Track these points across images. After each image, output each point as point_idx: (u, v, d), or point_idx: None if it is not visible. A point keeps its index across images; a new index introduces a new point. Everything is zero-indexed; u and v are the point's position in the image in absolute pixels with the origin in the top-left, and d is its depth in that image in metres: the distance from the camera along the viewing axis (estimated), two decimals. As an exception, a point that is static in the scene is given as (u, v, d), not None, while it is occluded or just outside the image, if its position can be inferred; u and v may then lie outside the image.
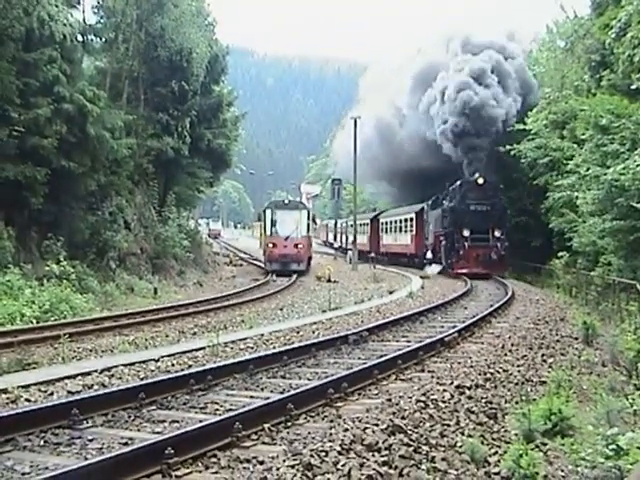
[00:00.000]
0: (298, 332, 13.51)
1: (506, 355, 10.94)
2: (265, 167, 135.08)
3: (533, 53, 42.38)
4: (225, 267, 40.04)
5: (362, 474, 5.24)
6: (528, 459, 5.35)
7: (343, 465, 5.35)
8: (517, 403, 7.76)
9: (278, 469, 5.22)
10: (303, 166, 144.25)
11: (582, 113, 22.40)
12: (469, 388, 8.30)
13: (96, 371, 9.33)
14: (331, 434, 6.15)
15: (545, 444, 6.44)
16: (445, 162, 35.75)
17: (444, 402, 7.57)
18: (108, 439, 6.25)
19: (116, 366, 9.69)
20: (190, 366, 9.87)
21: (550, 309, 18.43)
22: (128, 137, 25.93)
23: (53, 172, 20.26)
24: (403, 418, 6.73)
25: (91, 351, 11.73)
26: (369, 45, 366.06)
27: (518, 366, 10.09)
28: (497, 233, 30.62)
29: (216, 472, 5.48)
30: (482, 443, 6.21)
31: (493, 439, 6.70)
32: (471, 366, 9.71)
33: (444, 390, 8.04)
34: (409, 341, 12.25)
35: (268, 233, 34.28)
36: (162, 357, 10.48)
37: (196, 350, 11.17)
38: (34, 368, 9.94)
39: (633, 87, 20.20)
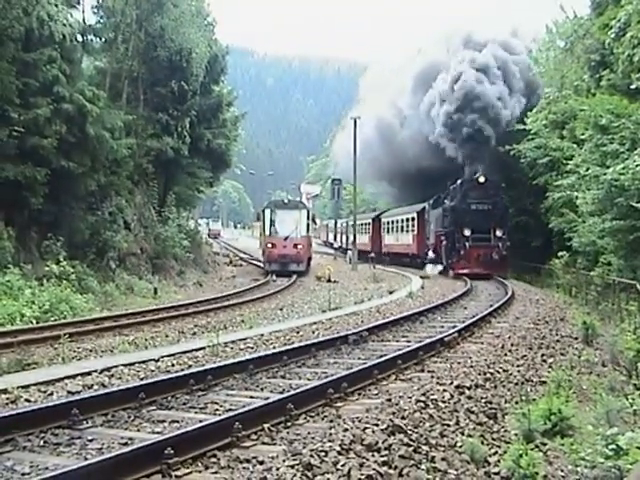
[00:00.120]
0: (298, 332, 13.52)
1: (506, 355, 10.94)
2: (265, 167, 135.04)
3: (533, 53, 42.33)
4: (225, 267, 40.03)
5: (362, 474, 5.24)
6: (528, 459, 5.35)
7: (343, 465, 5.36)
8: (517, 403, 7.77)
9: (278, 469, 5.22)
10: (303, 166, 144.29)
11: (582, 113, 22.39)
12: (469, 388, 8.30)
13: (96, 371, 9.33)
14: (331, 434, 6.16)
15: (545, 444, 6.44)
16: (447, 162, 35.44)
17: (444, 402, 7.57)
18: (108, 439, 6.25)
19: (116, 366, 9.69)
20: (190, 366, 9.87)
21: (550, 309, 18.43)
22: (128, 137, 25.93)
23: (53, 172, 20.26)
24: (403, 418, 6.74)
25: (91, 351, 11.73)
26: (369, 45, 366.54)
27: (518, 366, 10.09)
28: (499, 233, 30.32)
29: (216, 472, 5.48)
30: (482, 443, 6.22)
31: (493, 439, 6.70)
32: (471, 366, 9.71)
33: (444, 390, 8.05)
34: (409, 341, 12.25)
35: (267, 233, 33.98)
36: (162, 357, 10.48)
37: (196, 350, 11.18)
38: (34, 368, 9.94)
39: (633, 87, 20.20)
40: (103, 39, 29.35)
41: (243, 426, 6.18)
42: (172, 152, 30.61)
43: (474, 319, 14.63)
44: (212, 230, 79.97)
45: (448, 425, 6.84)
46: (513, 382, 9.06)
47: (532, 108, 32.05)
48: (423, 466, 5.63)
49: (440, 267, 33.48)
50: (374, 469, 5.35)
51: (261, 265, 37.14)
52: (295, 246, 33.01)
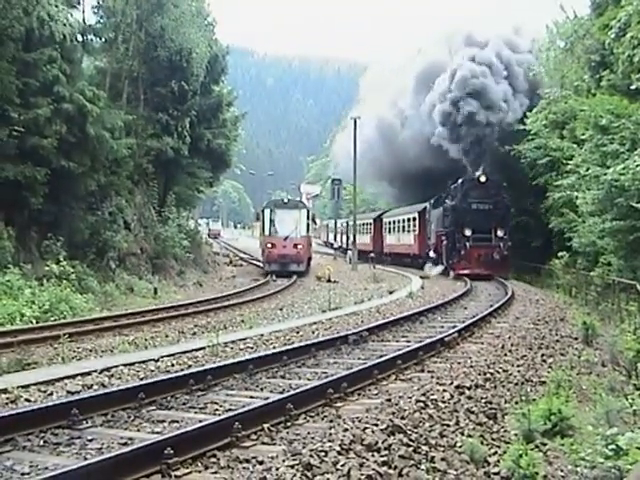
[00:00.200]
0: (298, 332, 13.52)
1: (506, 355, 10.94)
2: (265, 167, 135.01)
3: (534, 52, 42.25)
4: (225, 267, 40.03)
5: (362, 474, 5.24)
6: (528, 459, 5.35)
7: (343, 465, 5.36)
8: (517, 403, 7.77)
9: (277, 469, 5.22)
10: (303, 166, 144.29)
11: (582, 113, 22.38)
12: (469, 388, 8.30)
13: (96, 371, 9.33)
14: (331, 434, 6.16)
15: (545, 444, 6.44)
16: (448, 163, 35.15)
17: (444, 402, 7.57)
18: (108, 439, 6.25)
19: (116, 366, 9.69)
20: (190, 366, 9.87)
21: (550, 309, 18.43)
22: (128, 137, 25.94)
23: (53, 172, 20.26)
24: (403, 418, 6.74)
25: (91, 351, 11.73)
26: (369, 45, 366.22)
27: (518, 366, 10.09)
28: (500, 233, 29.97)
29: (215, 472, 5.48)
30: (482, 443, 6.21)
31: (493, 439, 6.70)
32: (471, 366, 9.71)
33: (444, 390, 8.05)
34: (409, 341, 12.25)
35: (267, 233, 33.66)
36: (162, 357, 10.48)
37: (196, 350, 11.18)
38: (34, 368, 9.94)
39: (633, 87, 20.18)
40: (103, 39, 29.34)
41: (243, 426, 6.18)
42: (172, 152, 30.61)
43: (474, 319, 14.64)
44: (212, 230, 79.99)
45: (448, 425, 6.85)
46: (513, 382, 9.06)
47: (532, 108, 32.03)
48: (423, 466, 5.63)
49: (440, 268, 33.25)
50: (374, 469, 5.35)
51: (261, 265, 37.00)
52: (295, 246, 32.73)
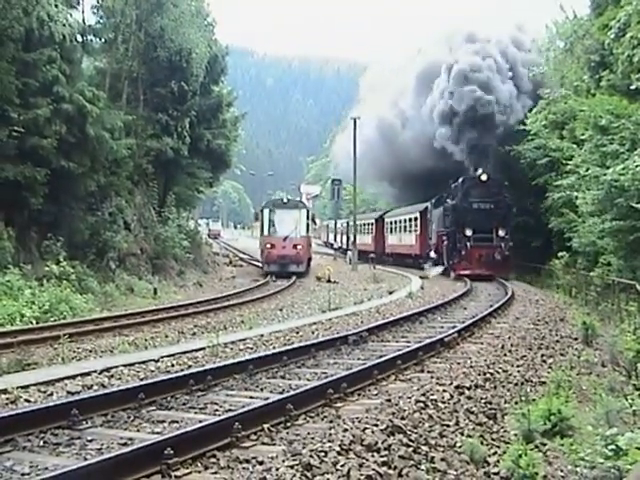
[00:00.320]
0: (298, 332, 13.52)
1: (506, 355, 10.95)
2: (265, 167, 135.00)
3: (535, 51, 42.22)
4: (225, 267, 40.00)
5: (361, 474, 5.24)
6: (527, 459, 5.36)
7: (342, 465, 5.36)
8: (516, 403, 7.77)
9: (277, 469, 5.22)
10: (303, 166, 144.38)
11: (582, 113, 22.38)
12: (469, 388, 8.30)
13: (96, 371, 9.33)
14: (330, 434, 6.16)
15: (544, 444, 6.45)
16: (451, 164, 34.78)
17: (444, 402, 7.58)
18: (108, 439, 6.26)
19: (116, 366, 9.69)
20: (190, 366, 9.88)
21: (550, 309, 18.44)
22: (127, 137, 25.94)
23: (53, 172, 20.27)
24: (402, 418, 6.74)
25: (91, 351, 11.73)
26: (369, 45, 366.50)
27: (518, 366, 10.09)
28: (501, 232, 29.57)
29: (215, 472, 5.48)
30: (481, 443, 6.22)
31: (492, 439, 6.71)
32: (471, 366, 9.71)
33: (444, 390, 8.05)
34: (409, 341, 12.25)
35: (266, 233, 33.29)
36: (162, 357, 10.49)
37: (196, 350, 11.18)
38: (34, 368, 9.94)
39: (632, 87, 20.17)
40: (103, 39, 29.36)
41: (243, 426, 6.18)
42: (172, 152, 30.61)
43: (474, 319, 14.64)
44: (212, 230, 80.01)
45: (448, 425, 6.85)
46: (513, 382, 9.06)
47: (531, 109, 32.00)
48: (423, 466, 5.63)
49: (440, 268, 33.09)
50: (374, 469, 5.35)
51: (261, 266, 36.81)
52: (295, 246, 32.39)
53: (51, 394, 8.15)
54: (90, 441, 6.23)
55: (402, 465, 5.57)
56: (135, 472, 5.17)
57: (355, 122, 39.47)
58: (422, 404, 7.36)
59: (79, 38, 25.32)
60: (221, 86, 39.43)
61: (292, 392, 7.70)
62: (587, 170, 19.94)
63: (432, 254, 34.45)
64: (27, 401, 7.77)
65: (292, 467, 5.24)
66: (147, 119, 30.35)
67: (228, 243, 69.93)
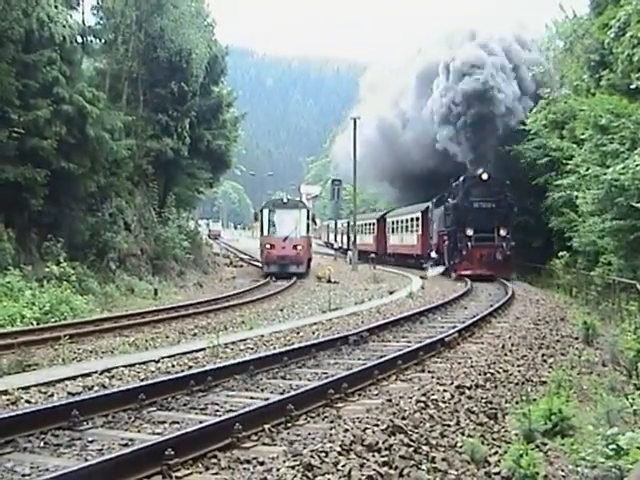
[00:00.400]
0: (298, 333, 13.52)
1: (506, 355, 10.94)
2: (265, 168, 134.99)
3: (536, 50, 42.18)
4: (225, 268, 39.99)
5: (362, 474, 5.24)
6: (528, 459, 5.35)
7: (343, 465, 5.36)
8: (517, 403, 7.76)
9: (278, 470, 5.22)
10: (303, 167, 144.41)
11: (581, 113, 22.38)
12: (469, 388, 8.30)
13: (96, 372, 9.32)
14: (331, 434, 6.15)
15: (545, 444, 6.44)
16: (454, 165, 34.49)
17: (444, 402, 7.57)
18: (108, 440, 6.25)
19: (116, 367, 9.69)
20: (190, 367, 9.88)
21: (550, 309, 18.43)
22: (128, 138, 25.94)
23: (53, 173, 20.27)
24: (403, 418, 6.73)
25: (91, 352, 11.73)
26: (369, 45, 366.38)
27: (518, 366, 10.09)
28: (503, 232, 29.22)
29: (216, 473, 5.48)
30: (482, 443, 6.21)
31: (493, 439, 6.70)
32: (471, 366, 9.71)
33: (444, 390, 8.05)
34: (409, 341, 12.25)
35: (265, 233, 32.97)
36: (162, 358, 10.48)
37: (196, 351, 11.17)
38: (34, 369, 9.94)
39: (632, 87, 20.16)
40: (103, 40, 29.39)
41: (243, 427, 6.18)
42: (172, 153, 30.61)
43: (474, 319, 14.63)
44: (212, 231, 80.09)
45: (448, 425, 6.84)
46: (513, 382, 9.05)
47: (531, 108, 31.97)
48: (423, 466, 5.63)
49: (440, 268, 32.95)
50: (374, 469, 5.35)
51: (261, 266, 36.75)
52: (295, 247, 32.07)
53: (52, 395, 8.14)
54: (91, 442, 6.23)
55: (403, 465, 5.56)
56: (136, 473, 5.17)
57: (355, 122, 39.46)
58: (423, 404, 7.36)
59: (79, 39, 25.34)
60: (221, 86, 39.43)
61: (293, 392, 7.70)
62: (587, 169, 19.93)
63: (433, 254, 34.26)
64: (28, 402, 7.77)
65: (293, 467, 5.23)
66: (147, 120, 30.36)
67: (228, 244, 69.96)
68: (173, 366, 9.99)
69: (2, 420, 6.24)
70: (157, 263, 28.24)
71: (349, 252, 44.17)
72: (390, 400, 7.59)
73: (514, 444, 5.96)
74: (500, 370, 9.61)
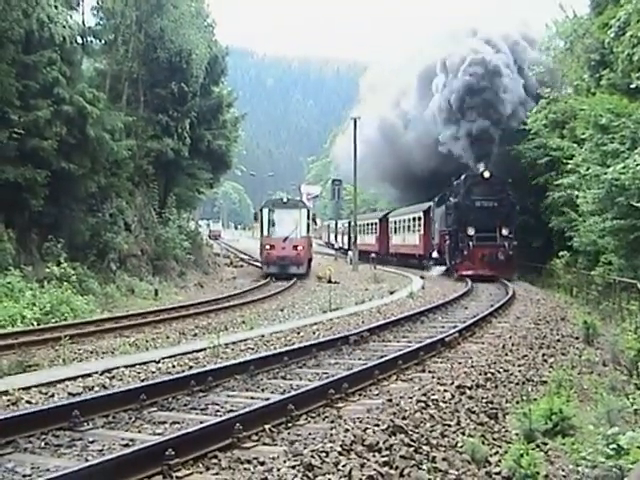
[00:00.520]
0: (299, 333, 13.52)
1: (507, 355, 10.94)
2: (265, 168, 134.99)
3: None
4: (225, 268, 39.99)
5: (363, 474, 5.24)
6: (529, 459, 5.35)
7: (344, 465, 5.36)
8: (518, 403, 7.76)
9: (279, 470, 5.22)
10: (303, 167, 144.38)
11: (582, 112, 22.36)
12: (470, 388, 8.30)
13: (97, 373, 9.32)
14: (332, 434, 6.16)
15: (546, 444, 6.44)
16: (456, 166, 34.10)
17: (445, 402, 7.57)
18: (109, 440, 6.26)
19: (117, 367, 9.69)
20: (191, 367, 9.88)
21: (551, 309, 18.43)
22: (128, 138, 25.95)
23: (53, 174, 20.29)
24: (404, 418, 6.73)
25: (92, 353, 11.74)
26: (369, 45, 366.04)
27: (519, 366, 10.09)
28: (505, 231, 28.83)
29: (217, 473, 5.48)
30: (483, 443, 6.22)
31: (494, 439, 6.70)
32: (472, 366, 9.70)
33: (445, 390, 8.04)
34: (410, 341, 12.25)
35: (265, 234, 32.57)
36: (163, 358, 10.48)
37: (197, 351, 11.17)
38: (35, 370, 9.94)
39: (633, 86, 20.15)
40: (103, 41, 29.39)
41: (244, 427, 6.18)
42: (172, 153, 30.61)
43: (475, 319, 14.64)
44: (213, 231, 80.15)
45: (449, 425, 6.84)
46: (514, 382, 9.05)
47: (531, 108, 31.93)
48: (424, 466, 5.63)
49: (440, 268, 32.82)
50: (375, 469, 5.35)
51: (261, 266, 36.56)
52: (295, 247, 31.73)
53: (52, 395, 8.14)
54: (91, 442, 6.23)
55: (403, 465, 5.56)
56: (136, 473, 5.17)
57: (355, 122, 39.43)
58: (423, 404, 7.36)
59: (79, 40, 25.34)
60: (221, 87, 39.44)
61: (293, 392, 7.70)
62: (587, 169, 19.93)
63: (434, 254, 34.04)
64: (28, 402, 7.77)
65: (293, 467, 5.24)
66: (147, 120, 30.36)
67: (229, 244, 69.96)
68: (174, 366, 9.99)
69: (3, 421, 6.24)
70: (157, 263, 28.25)
71: (350, 252, 44.13)
72: (391, 400, 7.59)
73: (515, 444, 5.97)
74: (501, 370, 9.61)
